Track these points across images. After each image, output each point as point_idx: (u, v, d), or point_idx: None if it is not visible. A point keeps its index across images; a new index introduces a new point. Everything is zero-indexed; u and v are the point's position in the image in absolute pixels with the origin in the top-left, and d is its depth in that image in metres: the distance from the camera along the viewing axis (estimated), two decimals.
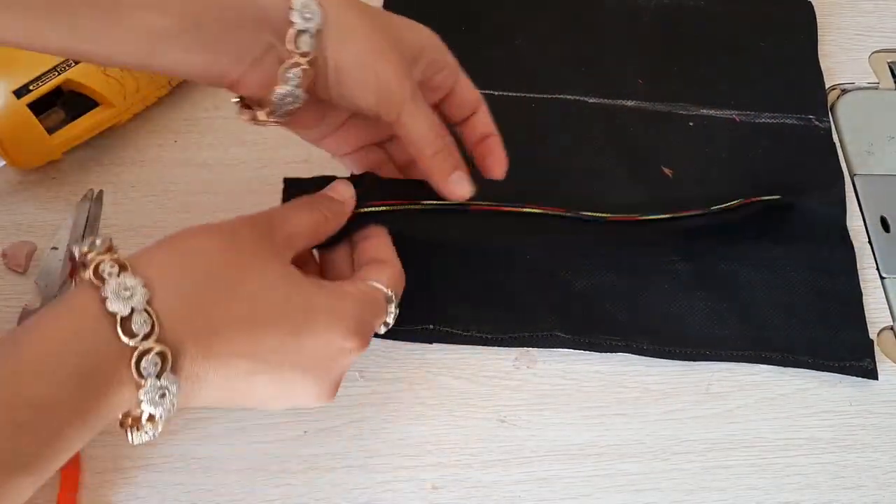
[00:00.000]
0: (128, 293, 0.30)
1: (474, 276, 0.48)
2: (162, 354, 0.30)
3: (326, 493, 0.41)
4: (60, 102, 0.50)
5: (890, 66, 0.60)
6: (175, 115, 0.55)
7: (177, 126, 0.55)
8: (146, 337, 0.30)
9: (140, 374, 0.30)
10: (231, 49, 0.35)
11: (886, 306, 0.49)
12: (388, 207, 0.42)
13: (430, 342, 0.46)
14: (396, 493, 0.42)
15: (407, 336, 0.46)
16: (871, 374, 0.45)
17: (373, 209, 0.42)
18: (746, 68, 0.58)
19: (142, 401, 0.31)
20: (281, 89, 0.36)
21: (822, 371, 0.46)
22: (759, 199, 0.49)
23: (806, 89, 0.57)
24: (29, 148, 0.49)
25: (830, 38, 0.61)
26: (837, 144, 0.55)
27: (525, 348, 0.46)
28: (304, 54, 0.36)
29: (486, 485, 0.42)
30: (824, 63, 0.59)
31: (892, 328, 0.48)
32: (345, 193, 0.40)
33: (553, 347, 0.46)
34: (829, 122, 0.56)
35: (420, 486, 0.42)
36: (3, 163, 0.50)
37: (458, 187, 0.41)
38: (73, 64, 0.49)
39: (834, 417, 0.44)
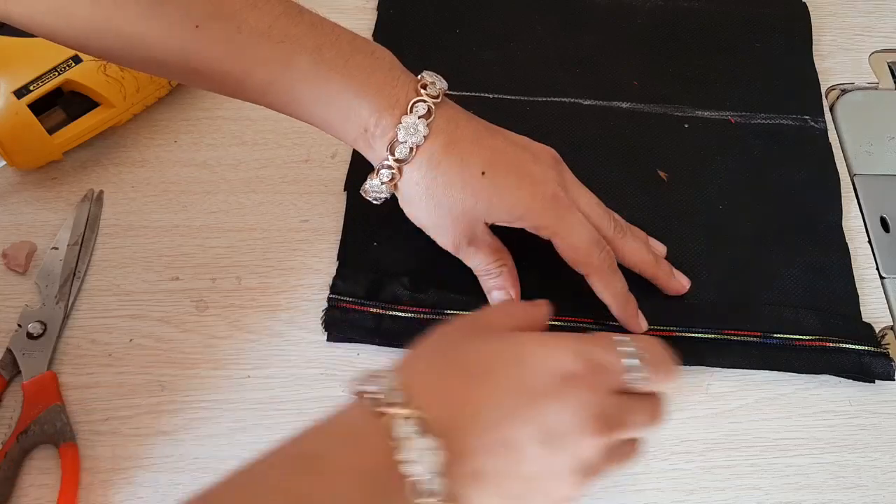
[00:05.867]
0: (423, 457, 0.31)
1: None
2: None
3: None
4: (60, 103, 0.51)
5: (889, 66, 0.60)
6: (175, 115, 0.55)
7: (177, 126, 0.55)
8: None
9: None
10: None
11: (886, 306, 0.49)
12: (413, 314, 0.46)
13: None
14: None
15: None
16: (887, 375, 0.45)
17: (398, 313, 0.46)
18: (741, 69, 0.58)
19: None
20: (373, 180, 0.43)
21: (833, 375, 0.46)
22: (833, 342, 0.46)
23: (801, 90, 0.57)
24: (29, 148, 0.49)
25: (830, 38, 0.61)
26: (837, 144, 0.55)
27: None
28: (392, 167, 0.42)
29: None
30: (824, 63, 0.59)
31: (892, 328, 0.48)
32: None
33: None
34: (824, 122, 0.56)
35: None
36: (3, 163, 0.50)
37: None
38: (74, 64, 0.49)
39: (834, 417, 0.44)
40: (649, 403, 0.36)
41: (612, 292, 0.44)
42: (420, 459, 0.30)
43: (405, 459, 0.30)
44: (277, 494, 0.29)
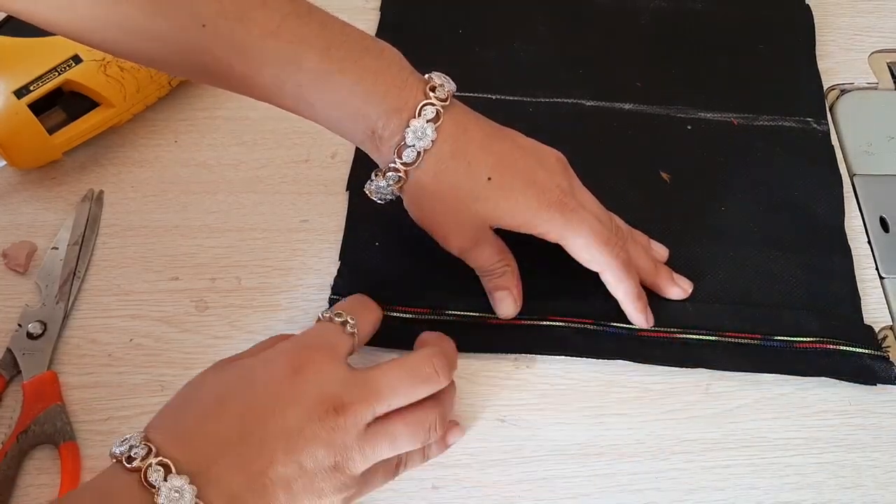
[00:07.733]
0: (177, 495, 0.32)
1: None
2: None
3: None
4: (61, 103, 0.51)
5: (889, 66, 0.60)
6: (175, 115, 0.55)
7: (177, 126, 0.55)
8: None
9: None
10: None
11: (886, 306, 0.49)
12: (413, 315, 0.46)
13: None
14: (396, 493, 0.41)
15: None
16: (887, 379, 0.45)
17: (399, 314, 0.46)
18: (744, 71, 0.58)
19: None
20: (379, 181, 0.43)
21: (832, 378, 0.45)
22: (834, 344, 0.46)
23: (804, 92, 0.57)
24: (29, 148, 0.49)
25: (830, 38, 0.61)
26: (837, 145, 0.55)
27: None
28: (402, 166, 0.42)
29: (486, 485, 0.42)
30: (824, 63, 0.59)
31: (892, 328, 0.48)
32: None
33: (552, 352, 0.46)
34: (827, 124, 0.56)
35: (420, 485, 0.42)
36: (4, 163, 0.50)
37: (499, 304, 0.45)
38: (74, 64, 0.49)
39: (834, 417, 0.44)
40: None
41: (624, 289, 0.44)
42: (172, 498, 0.32)
43: (161, 502, 0.32)
44: None
